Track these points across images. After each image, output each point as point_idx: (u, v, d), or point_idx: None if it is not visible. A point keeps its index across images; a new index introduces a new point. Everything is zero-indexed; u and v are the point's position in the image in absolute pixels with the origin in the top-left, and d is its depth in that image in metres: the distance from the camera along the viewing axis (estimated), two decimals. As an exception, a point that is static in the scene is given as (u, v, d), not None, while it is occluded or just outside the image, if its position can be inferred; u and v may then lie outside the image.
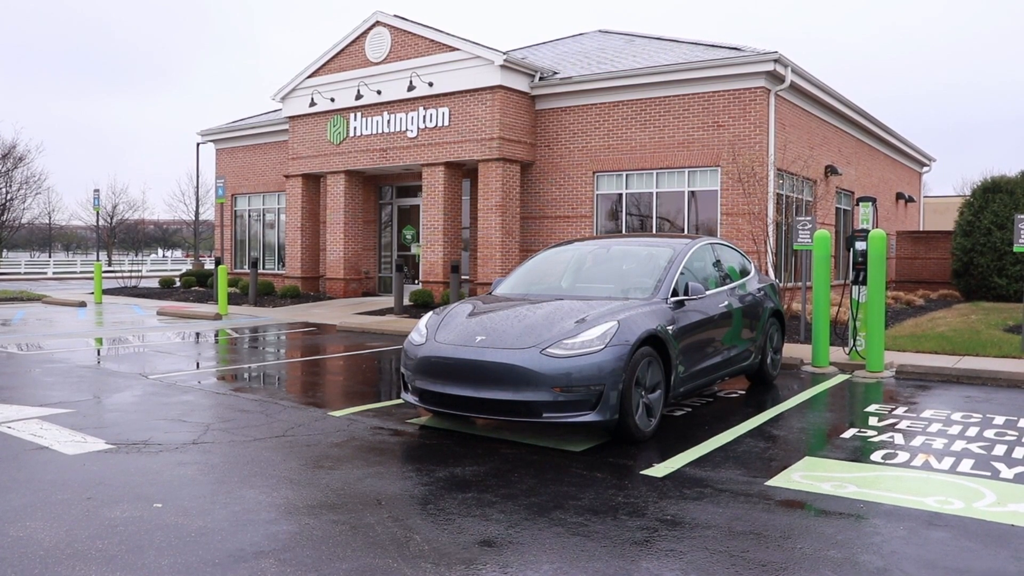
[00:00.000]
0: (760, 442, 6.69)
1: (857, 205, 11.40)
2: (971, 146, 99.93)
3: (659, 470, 5.82)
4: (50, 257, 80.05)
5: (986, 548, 4.31)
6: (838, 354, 11.05)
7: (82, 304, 22.12)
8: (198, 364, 11.16)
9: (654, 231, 18.73)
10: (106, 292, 26.96)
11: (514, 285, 8.30)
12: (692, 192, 18.36)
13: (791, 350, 11.49)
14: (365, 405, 8.22)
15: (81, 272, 51.84)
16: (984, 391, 9.19)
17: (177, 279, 28.62)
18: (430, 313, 7.67)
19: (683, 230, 18.39)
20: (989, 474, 5.72)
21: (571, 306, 7.06)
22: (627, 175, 19.26)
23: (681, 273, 7.64)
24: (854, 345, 10.67)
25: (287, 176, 24.61)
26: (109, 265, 62.78)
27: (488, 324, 6.92)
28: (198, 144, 29.30)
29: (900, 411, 7.93)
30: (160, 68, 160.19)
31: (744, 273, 9.20)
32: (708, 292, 7.96)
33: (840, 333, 11.94)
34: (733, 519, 4.75)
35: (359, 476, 5.65)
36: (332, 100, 22.79)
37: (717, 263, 8.58)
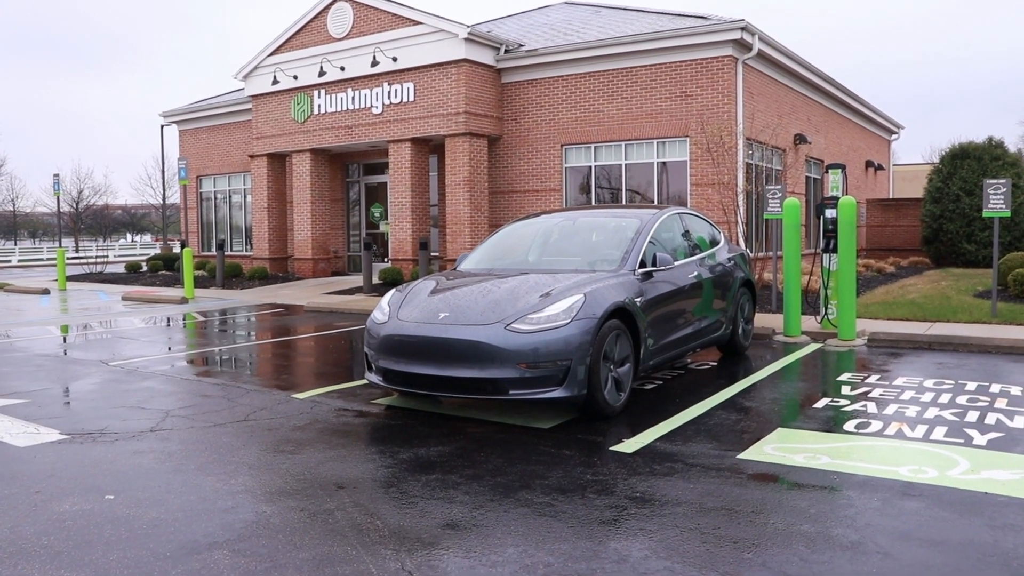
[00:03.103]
0: (732, 414, 6.59)
1: (827, 173, 11.31)
2: (939, 115, 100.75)
3: (629, 446, 5.69)
4: (15, 245, 78.71)
5: (960, 517, 4.22)
6: (810, 323, 11.00)
7: (45, 292, 21.66)
8: (161, 349, 10.89)
9: (624, 203, 18.59)
10: (71, 279, 26.45)
11: (479, 260, 8.12)
12: (662, 163, 18.22)
13: (763, 320, 11.42)
14: (330, 386, 8.03)
15: (47, 260, 51.01)
16: (956, 357, 9.16)
17: (144, 264, 28.15)
18: (393, 290, 7.48)
19: (653, 202, 18.26)
20: (962, 441, 5.65)
21: (537, 280, 6.90)
22: (596, 147, 19.08)
23: (649, 244, 7.50)
24: (826, 314, 10.62)
25: (252, 156, 24.19)
26: (76, 251, 61.80)
27: (452, 300, 6.75)
28: (162, 126, 28.76)
29: (873, 379, 7.87)
30: (125, 48, 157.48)
31: (714, 243, 9.08)
32: (677, 263, 7.84)
33: (811, 302, 11.88)
34: (704, 495, 4.63)
35: (320, 460, 5.47)
36: (295, 78, 22.37)
37: (686, 233, 8.44)
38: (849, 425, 6.14)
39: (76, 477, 5.20)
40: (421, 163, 20.70)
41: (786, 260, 10.48)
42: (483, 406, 6.89)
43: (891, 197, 31.51)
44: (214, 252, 26.98)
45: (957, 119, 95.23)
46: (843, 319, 10.05)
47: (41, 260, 50.35)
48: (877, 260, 22.85)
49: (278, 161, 24.07)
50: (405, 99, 20.26)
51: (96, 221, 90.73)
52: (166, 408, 7.19)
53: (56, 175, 21.92)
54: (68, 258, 43.31)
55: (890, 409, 6.62)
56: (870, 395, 7.15)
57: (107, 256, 46.05)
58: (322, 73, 21.51)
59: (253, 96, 23.78)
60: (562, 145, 19.47)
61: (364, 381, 8.11)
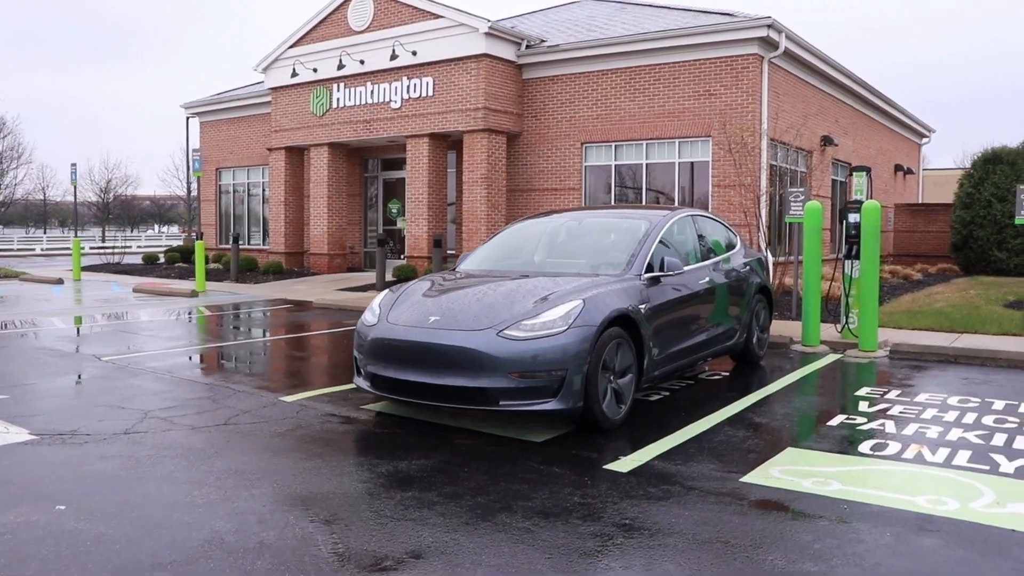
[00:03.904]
0: (739, 431, 6.17)
1: (851, 176, 10.82)
2: (972, 118, 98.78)
3: (625, 464, 5.30)
4: (44, 233, 79.30)
5: (983, 558, 3.79)
6: (830, 331, 10.52)
7: (59, 281, 21.57)
8: (159, 344, 10.62)
9: (637, 204, 18.15)
10: (88, 269, 26.40)
11: (480, 261, 7.75)
12: (683, 163, 17.76)
13: (782, 327, 10.95)
14: (322, 389, 7.70)
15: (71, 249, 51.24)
16: (983, 372, 8.66)
17: (161, 255, 28.05)
18: (386, 291, 7.13)
19: (674, 203, 17.80)
20: (987, 468, 5.20)
21: (535, 284, 6.52)
22: (616, 146, 18.64)
23: (657, 247, 7.09)
24: (846, 323, 10.14)
25: (270, 149, 23.99)
26: (103, 241, 62.06)
27: (444, 303, 6.39)
28: (187, 118, 28.61)
29: (893, 395, 7.40)
30: (152, 40, 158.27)
31: (729, 247, 8.65)
32: (687, 267, 7.43)
33: (832, 310, 11.40)
34: (700, 524, 4.23)
35: (294, 472, 5.13)
36: (315, 71, 22.12)
37: (698, 236, 8.02)
38: (865, 446, 5.70)
39: (32, 484, 4.89)
40: (439, 159, 20.37)
41: (806, 266, 10.02)
42: (477, 416, 6.52)
43: (920, 202, 30.77)
44: (230, 245, 26.86)
45: (992, 123, 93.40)
46: (864, 329, 9.57)
47: (66, 249, 50.56)
48: (904, 266, 22.22)
49: (296, 155, 23.83)
50: (424, 94, 19.93)
51: (124, 211, 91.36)
52: (147, 408, 6.89)
53: (73, 164, 21.77)
54: (92, 248, 43.46)
55: (910, 429, 6.17)
56: (889, 412, 6.70)
57: (130, 246, 46.12)
58: (341, 66, 21.25)
59: (272, 89, 23.56)
60: (582, 143, 19.05)
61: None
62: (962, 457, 5.43)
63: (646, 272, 6.81)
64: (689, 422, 6.38)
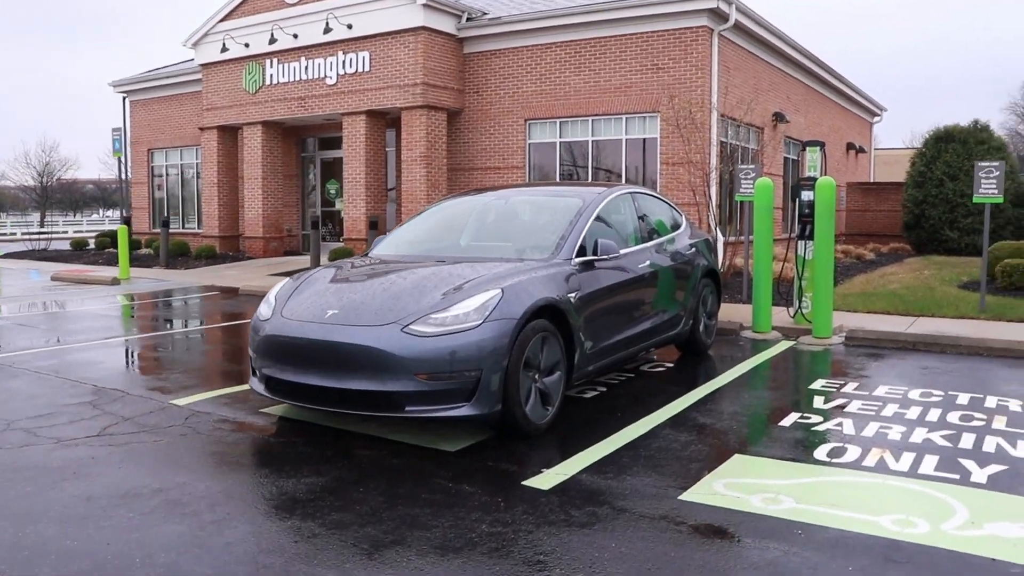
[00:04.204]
0: (682, 434, 5.47)
1: (804, 151, 10.20)
2: (922, 104, 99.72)
3: (547, 478, 4.57)
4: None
5: (964, 602, 3.13)
6: (782, 316, 9.91)
7: (-27, 269, 20.30)
8: (55, 339, 9.66)
9: (583, 181, 17.45)
10: (11, 256, 25.09)
11: (395, 245, 6.96)
12: (631, 140, 17.07)
13: (732, 312, 10.33)
14: (223, 389, 6.87)
15: (9, 235, 49.29)
16: (944, 360, 8.09)
17: (91, 240, 26.73)
18: (286, 280, 6.31)
19: (622, 180, 17.12)
20: (958, 477, 4.56)
21: (451, 271, 5.75)
22: (561, 123, 17.89)
23: (591, 228, 6.35)
24: (799, 307, 9.53)
25: (202, 128, 22.83)
26: (41, 226, 59.85)
27: (346, 294, 5.59)
28: (124, 98, 27.24)
29: (850, 388, 6.77)
30: (92, 15, 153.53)
31: (673, 227, 7.96)
32: (626, 250, 6.72)
33: (784, 293, 10.79)
34: (626, 559, 3.51)
35: (156, 497, 4.31)
36: (246, 46, 21.01)
37: (639, 216, 7.31)
38: (821, 451, 5.04)
39: None
40: (377, 137, 19.44)
41: (756, 247, 9.38)
42: (387, 421, 5.73)
43: (872, 181, 30.53)
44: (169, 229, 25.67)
45: (940, 107, 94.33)
46: (818, 314, 8.96)
47: (9, 235, 48.62)
48: (856, 246, 21.84)
49: (229, 134, 22.71)
50: (360, 69, 18.98)
51: (66, 196, 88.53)
52: (11, 418, 6.00)
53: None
54: (24, 233, 41.69)
55: (870, 429, 5.53)
56: (847, 409, 6.06)
57: (67, 231, 44.39)
58: (273, 40, 20.18)
59: (203, 65, 22.40)
60: (526, 120, 18.27)
61: (258, 384, 6.94)
62: (929, 464, 4.79)
63: (577, 256, 6.07)
64: (626, 424, 5.67)
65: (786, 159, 21.30)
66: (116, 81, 27.14)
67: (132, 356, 8.61)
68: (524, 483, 4.51)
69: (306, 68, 19.98)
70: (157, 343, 9.48)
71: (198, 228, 25.22)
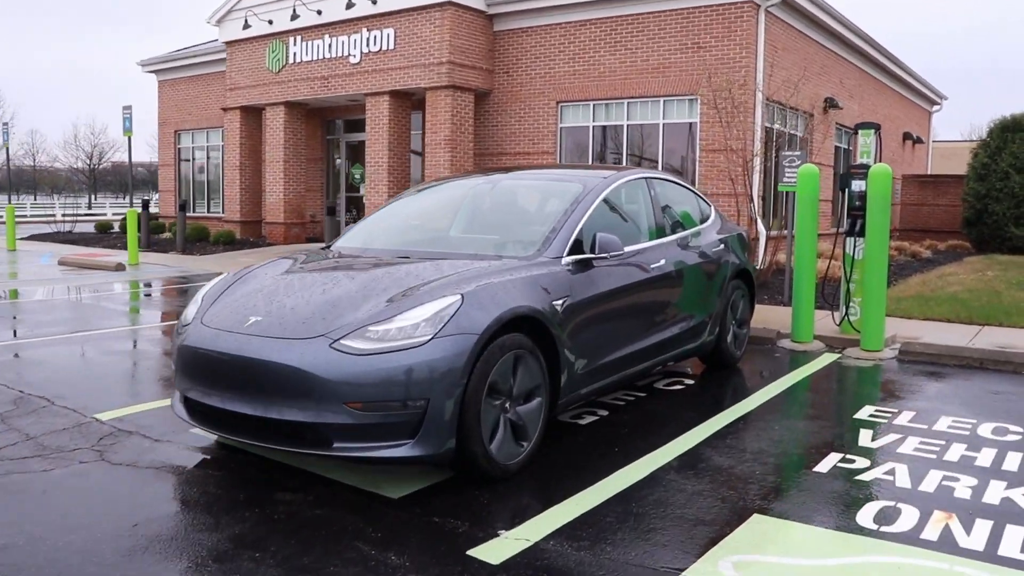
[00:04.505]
0: (690, 480, 4.36)
1: (856, 134, 8.94)
2: (980, 92, 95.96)
3: (502, 546, 3.50)
4: (34, 199, 77.25)
5: None
6: (827, 322, 8.68)
7: (-12, 251, 19.77)
8: (17, 332, 8.82)
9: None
10: (35, 238, 24.63)
11: (362, 235, 5.90)
12: (669, 125, 15.84)
13: (771, 316, 9.13)
14: (162, 401, 5.89)
15: (44, 217, 49.31)
16: (1018, 384, 6.82)
17: (116, 224, 26.19)
18: (224, 275, 5.31)
19: (657, 168, 15.91)
20: (1054, 563, 3.39)
21: (410, 270, 4.69)
22: (595, 105, 16.71)
23: (590, 220, 5.23)
24: (846, 314, 8.30)
25: (225, 109, 22.05)
26: (89, 208, 60.09)
27: (279, 297, 4.56)
28: (160, 81, 26.67)
29: (905, 419, 5.56)
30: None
31: (700, 220, 6.82)
32: (635, 247, 5.60)
33: (829, 297, 9.54)
34: None
35: (-15, 561, 3.33)
36: (270, 23, 20.11)
37: (655, 206, 6.16)
38: (866, 514, 3.89)
39: None
40: (401, 119, 18.44)
41: (798, 244, 8.18)
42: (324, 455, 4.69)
43: (929, 173, 28.79)
44: (195, 213, 25.05)
45: (1001, 97, 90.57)
46: (868, 323, 7.74)
47: (50, 217, 48.59)
48: (912, 243, 20.33)
49: (253, 115, 21.87)
50: (384, 47, 17.97)
51: (117, 178, 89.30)
52: (-102, 432, 5.09)
53: (5, 124, 19.85)
54: (64, 216, 41.43)
55: (931, 481, 4.36)
56: (901, 450, 4.88)
57: (106, 214, 44.17)
58: (295, 16, 19.26)
59: (227, 43, 21.58)
60: (558, 102, 17.12)
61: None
62: (1014, 539, 3.62)
63: (571, 254, 4.97)
64: (622, 464, 4.56)
65: (837, 148, 19.86)
66: (144, 60, 26.54)
67: (86, 356, 7.69)
68: (470, 552, 3.44)
69: (329, 46, 19.04)
70: (123, 340, 8.57)
71: (222, 212, 24.52)
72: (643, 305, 5.59)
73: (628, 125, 16.35)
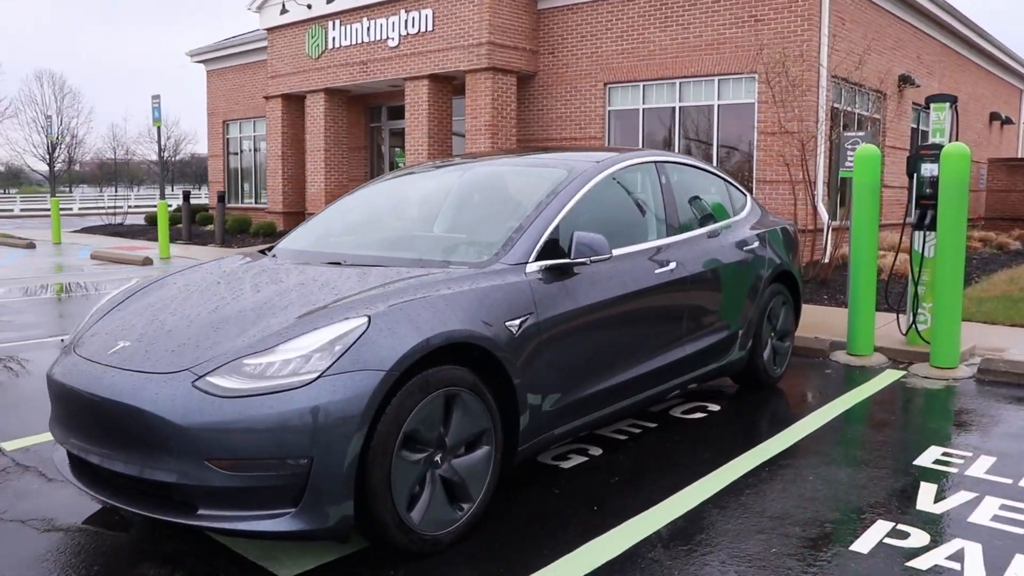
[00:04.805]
0: (678, 561, 3.28)
1: (927, 109, 7.63)
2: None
3: None
4: (115, 192, 78.97)
5: None
6: (891, 330, 7.40)
7: (30, 245, 19.53)
8: (-10, 335, 8.15)
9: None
10: (87, 231, 24.49)
11: (308, 234, 4.90)
12: (724, 106, 14.53)
13: (827, 320, 7.90)
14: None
15: (105, 209, 49.95)
16: None
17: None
18: (131, 283, 4.40)
19: (712, 154, 14.65)
20: None
21: (327, 281, 3.70)
22: (644, 86, 15.50)
23: (570, 216, 4.15)
24: (914, 322, 7.03)
25: (267, 97, 21.46)
26: (162, 198, 61.05)
27: (162, 316, 3.62)
28: (208, 71, 26.36)
29: (981, 468, 4.35)
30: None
31: (731, 212, 5.68)
32: (636, 247, 4.52)
33: (895, 299, 8.21)
34: None
35: None
36: (308, 7, 19.36)
37: (668, 197, 5.02)
38: (918, 628, 2.77)
39: None
40: (441, 104, 17.52)
41: (854, 238, 6.94)
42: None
43: (1020, 156, 26.63)
44: (242, 204, 24.65)
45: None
46: (940, 334, 6.47)
47: (113, 209, 49.17)
48: (999, 233, 18.56)
49: (295, 103, 21.21)
50: (423, 29, 17.06)
51: (195, 169, 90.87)
52: None
53: (48, 116, 19.56)
54: (131, 207, 41.72)
55: (1018, 568, 3.19)
56: (973, 518, 3.69)
57: (172, 205, 44.20)
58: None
59: (268, 30, 20.96)
60: (605, 84, 15.95)
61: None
62: None
63: (540, 258, 3.90)
64: (597, 531, 3.51)
65: (913, 130, 18.21)
66: (193, 51, 26.19)
67: (34, 366, 6.89)
68: None
69: (368, 29, 18.21)
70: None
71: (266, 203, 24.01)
72: (646, 319, 4.50)
73: (680, 107, 15.10)
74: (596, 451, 4.56)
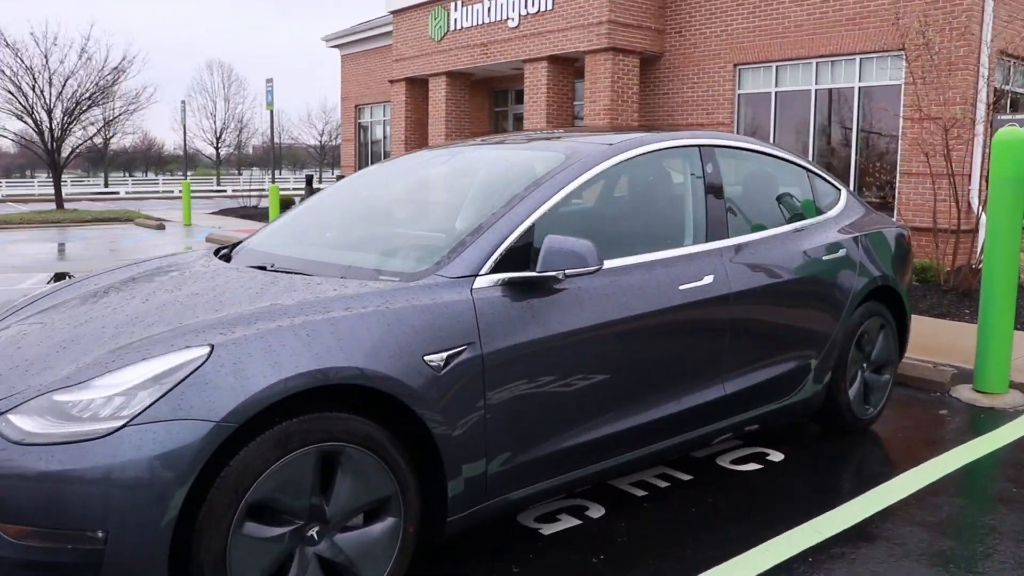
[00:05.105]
0: None
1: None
2: None
3: None
4: (275, 175, 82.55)
5: None
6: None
7: (160, 226, 20.04)
8: None
9: (811, 141, 13.58)
10: (221, 213, 25.11)
11: (272, 233, 4.11)
12: (866, 89, 12.95)
13: (956, 342, 6.54)
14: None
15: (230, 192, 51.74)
16: None
17: (297, 199, 26.27)
18: (45, 286, 3.78)
19: (850, 141, 13.10)
20: None
21: (219, 294, 2.92)
22: (777, 67, 14.06)
23: (548, 215, 3.17)
24: (1066, 351, 5.61)
25: (391, 81, 21.20)
26: (320, 182, 63.07)
27: (34, 328, 2.95)
28: (343, 56, 26.57)
29: None
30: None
31: (811, 209, 4.55)
32: (643, 257, 3.47)
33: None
34: None
35: None
36: (432, -14, 18.93)
37: (710, 192, 3.92)
38: None
39: None
40: (561, 87, 16.63)
41: (988, 244, 5.58)
42: None
43: None
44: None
45: None
46: (1097, 370, 5.07)
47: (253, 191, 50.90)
48: None
49: (419, 87, 20.83)
50: (543, 8, 16.20)
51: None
52: None
53: (183, 101, 20.03)
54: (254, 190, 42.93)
55: None
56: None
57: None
58: (454, -22, 17.91)
59: (393, 13, 20.64)
60: (735, 65, 14.61)
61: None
62: None
63: (496, 270, 2.98)
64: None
65: (1103, 117, 15.80)
66: (327, 36, 26.33)
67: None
68: None
69: (488, 9, 17.51)
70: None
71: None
72: (663, 349, 3.48)
73: (816, 90, 13.58)
74: (596, 511, 3.60)
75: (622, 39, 15.05)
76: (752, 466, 4.20)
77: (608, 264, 3.24)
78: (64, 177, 30.53)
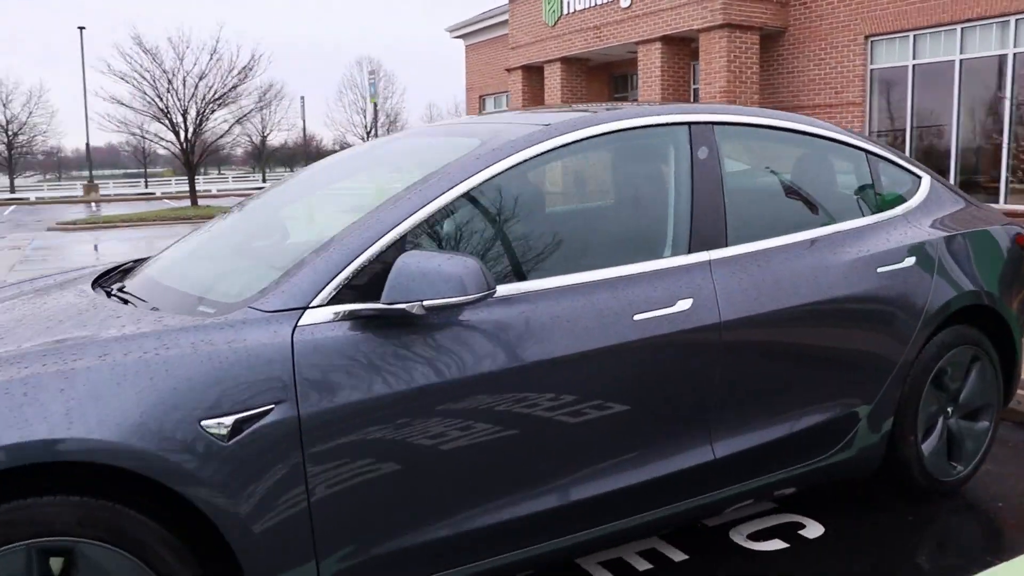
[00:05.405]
0: None
1: None
2: None
3: None
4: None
5: None
6: None
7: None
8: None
9: (954, 120, 11.97)
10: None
11: (186, 249, 3.46)
12: (1021, 55, 11.23)
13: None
14: None
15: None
16: None
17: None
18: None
19: (1003, 123, 11.42)
20: None
21: (40, 319, 2.31)
22: (915, 36, 12.48)
23: (437, 220, 2.36)
24: None
25: (508, 70, 20.61)
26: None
27: None
28: (466, 46, 26.18)
29: None
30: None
31: (869, 203, 3.49)
32: (581, 277, 2.54)
33: None
34: None
35: None
36: (547, -30, 18.16)
37: (710, 184, 2.92)
38: None
39: None
40: (676, 69, 15.54)
41: None
42: None
43: None
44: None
45: None
46: None
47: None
48: None
49: (536, 75, 20.12)
50: (655, -16, 15.18)
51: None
52: None
53: (302, 98, 19.99)
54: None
55: None
56: None
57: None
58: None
59: (510, 0, 20.06)
60: (867, 36, 13.11)
61: None
62: None
63: (331, 302, 2.17)
64: None
65: None
66: (451, 26, 26.01)
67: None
68: None
69: (602, -10, 16.64)
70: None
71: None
72: (598, 403, 2.54)
73: (961, 60, 11.93)
74: (533, 615, 2.74)
75: (739, 14, 13.80)
76: (776, 544, 3.21)
77: (518, 288, 2.38)
78: (224, 173, 31.57)
